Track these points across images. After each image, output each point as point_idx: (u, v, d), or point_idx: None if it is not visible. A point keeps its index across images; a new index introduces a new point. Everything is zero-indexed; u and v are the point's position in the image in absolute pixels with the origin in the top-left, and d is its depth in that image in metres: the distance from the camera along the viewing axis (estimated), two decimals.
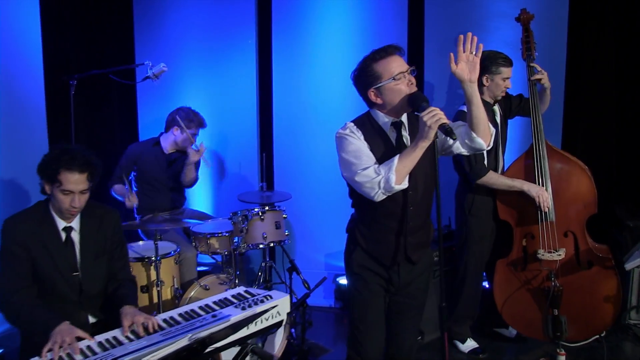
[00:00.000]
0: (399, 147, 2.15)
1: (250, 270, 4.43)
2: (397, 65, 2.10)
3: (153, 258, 3.20)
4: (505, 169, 3.28)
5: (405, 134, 2.20)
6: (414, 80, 2.11)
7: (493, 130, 2.26)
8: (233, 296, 2.53)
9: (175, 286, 3.36)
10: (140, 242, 3.61)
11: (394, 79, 2.08)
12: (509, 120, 3.41)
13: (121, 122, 4.42)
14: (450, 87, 3.90)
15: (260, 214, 3.46)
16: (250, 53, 4.18)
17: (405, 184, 2.08)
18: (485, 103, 3.16)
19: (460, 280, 3.33)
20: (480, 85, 3.16)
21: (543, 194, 3.05)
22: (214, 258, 3.87)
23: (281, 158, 4.30)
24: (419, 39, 3.96)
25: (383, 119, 2.19)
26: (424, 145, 2.02)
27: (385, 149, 2.16)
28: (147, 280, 3.27)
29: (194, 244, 3.62)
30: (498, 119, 3.24)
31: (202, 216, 4.00)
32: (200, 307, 2.41)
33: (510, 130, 3.41)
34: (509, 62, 3.09)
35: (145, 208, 3.79)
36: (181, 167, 3.95)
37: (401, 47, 2.14)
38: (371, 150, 2.14)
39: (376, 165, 2.09)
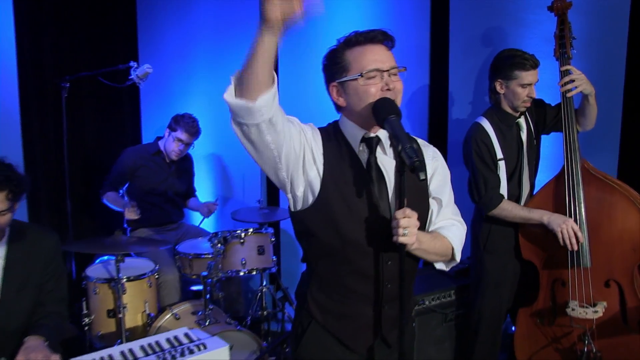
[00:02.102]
0: (369, 175, 1.55)
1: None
2: (374, 58, 1.52)
3: (124, 279, 2.89)
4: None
5: (386, 157, 1.59)
6: (396, 86, 1.52)
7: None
8: (168, 339, 2.14)
9: (147, 311, 3.02)
10: (128, 258, 3.30)
11: (361, 75, 1.51)
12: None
13: (119, 127, 4.19)
14: (476, 94, 3.27)
15: (241, 236, 3.05)
16: None
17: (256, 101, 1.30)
18: (505, 115, 2.57)
19: (474, 332, 2.71)
20: (494, 92, 2.54)
21: (568, 227, 2.38)
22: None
23: None
24: (443, 37, 3.36)
25: (352, 130, 1.59)
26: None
27: (351, 175, 1.55)
28: (113, 303, 2.96)
29: (178, 264, 3.30)
30: (524, 135, 2.60)
31: (198, 233, 3.68)
32: (123, 353, 2.04)
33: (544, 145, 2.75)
34: (529, 64, 2.42)
35: (137, 220, 3.51)
36: (181, 176, 3.67)
37: (391, 37, 1.56)
38: (330, 174, 1.54)
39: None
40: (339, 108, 1.63)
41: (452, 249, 1.65)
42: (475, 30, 3.23)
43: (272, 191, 3.89)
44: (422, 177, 1.31)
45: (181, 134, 3.48)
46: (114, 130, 4.12)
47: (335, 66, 1.57)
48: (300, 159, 1.50)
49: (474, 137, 2.52)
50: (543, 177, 2.69)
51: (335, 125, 1.65)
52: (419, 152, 1.34)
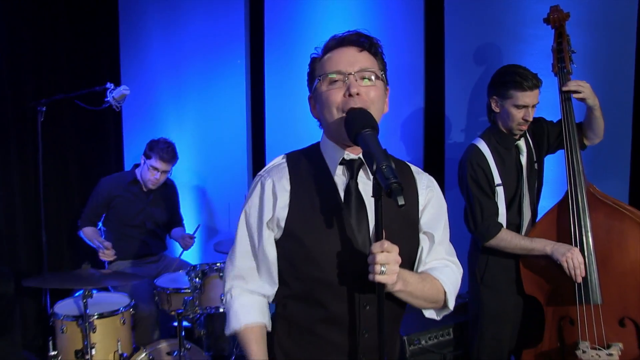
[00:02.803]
0: (346, 203, 1.33)
1: None
2: (339, 60, 1.32)
3: (94, 316, 2.68)
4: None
5: (370, 182, 1.27)
6: (362, 92, 1.28)
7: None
8: None
9: (120, 351, 2.79)
10: (104, 293, 3.09)
11: (319, 78, 1.34)
12: None
13: (102, 152, 4.02)
14: (472, 114, 3.06)
15: (221, 270, 2.82)
16: (239, 75, 3.62)
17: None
18: (503, 137, 2.34)
19: None
20: (491, 110, 2.33)
21: (574, 257, 2.13)
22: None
23: None
24: (438, 54, 3.17)
25: (331, 151, 1.38)
26: None
27: (324, 203, 1.33)
28: (82, 343, 2.73)
29: (156, 299, 3.07)
30: (524, 159, 2.37)
31: (181, 266, 3.46)
32: None
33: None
34: (527, 84, 2.19)
35: (115, 253, 3.29)
36: (161, 205, 3.46)
37: (367, 37, 1.36)
38: (297, 203, 1.34)
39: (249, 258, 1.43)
40: (320, 124, 1.44)
41: (445, 293, 1.41)
42: (471, 47, 3.04)
43: None
44: (400, 202, 1.08)
45: (156, 162, 3.27)
46: (97, 157, 3.96)
47: (309, 75, 1.43)
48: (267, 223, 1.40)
49: (470, 161, 2.29)
50: (546, 203, 2.46)
51: (316, 146, 1.45)
52: (398, 173, 1.11)
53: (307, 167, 1.39)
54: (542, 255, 2.23)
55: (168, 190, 3.56)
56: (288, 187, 1.37)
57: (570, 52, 2.27)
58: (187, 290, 2.94)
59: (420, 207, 1.41)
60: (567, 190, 2.22)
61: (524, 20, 2.87)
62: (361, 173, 1.37)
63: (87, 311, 2.61)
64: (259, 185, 1.42)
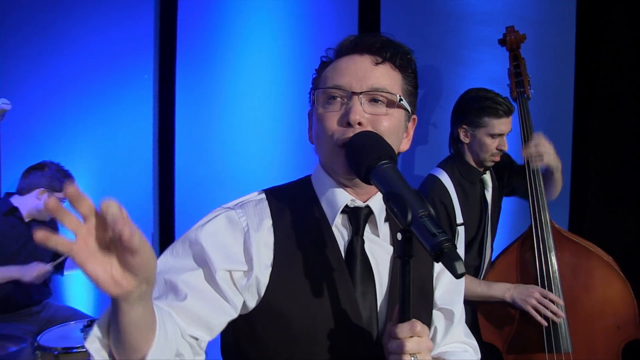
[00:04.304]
0: (349, 269, 0.98)
1: None
2: (343, 72, 0.98)
3: None
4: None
5: (378, 239, 1.02)
6: (368, 119, 0.95)
7: None
8: None
9: None
10: None
11: (312, 92, 1.02)
12: None
13: None
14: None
15: None
16: (146, 91, 3.14)
17: None
18: (469, 169, 2.06)
19: None
20: (457, 140, 2.10)
21: (539, 299, 1.94)
22: None
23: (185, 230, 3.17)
24: None
25: (328, 191, 1.02)
26: None
27: (319, 266, 0.98)
28: None
29: None
30: (489, 195, 2.16)
31: (71, 316, 2.87)
32: None
33: None
34: (502, 109, 1.99)
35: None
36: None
37: (396, 47, 1.02)
38: (281, 265, 0.97)
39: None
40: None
41: None
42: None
43: None
44: (459, 270, 0.74)
45: (60, 194, 2.75)
46: None
47: (312, 84, 1.07)
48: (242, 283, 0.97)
49: (431, 196, 2.02)
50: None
51: (306, 183, 1.06)
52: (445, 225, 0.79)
53: (296, 211, 1.01)
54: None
55: (54, 219, 2.96)
56: (271, 240, 0.98)
57: (527, 76, 2.11)
58: (81, 350, 2.40)
59: (435, 273, 1.09)
60: (531, 227, 2.03)
61: (465, 43, 2.73)
62: (367, 227, 1.02)
63: None
64: (223, 218, 1.00)
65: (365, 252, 0.99)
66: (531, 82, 2.13)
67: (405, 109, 1.01)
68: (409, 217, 0.78)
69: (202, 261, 0.95)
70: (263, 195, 1.04)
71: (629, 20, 2.65)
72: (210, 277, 0.93)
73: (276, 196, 1.04)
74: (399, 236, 0.81)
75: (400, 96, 0.98)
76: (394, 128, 0.98)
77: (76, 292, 3.31)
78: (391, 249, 1.02)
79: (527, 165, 2.07)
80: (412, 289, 0.88)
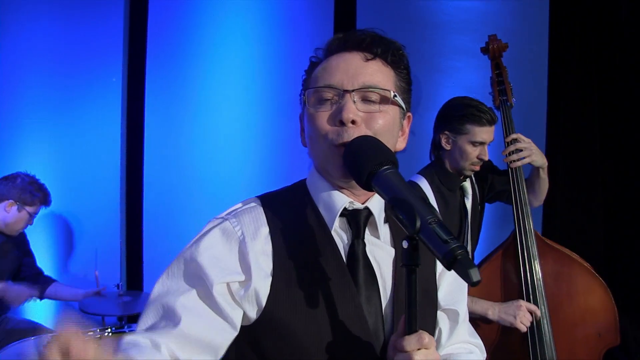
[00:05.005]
0: (351, 274, 0.95)
1: None
2: (334, 71, 0.96)
3: None
4: None
5: (379, 241, 0.99)
6: (362, 117, 0.93)
7: None
8: None
9: None
10: None
11: (307, 92, 0.97)
12: None
13: None
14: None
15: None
16: (115, 94, 3.01)
17: None
18: (449, 177, 2.03)
19: None
20: (438, 147, 2.08)
21: (526, 314, 1.93)
22: None
23: (154, 243, 3.03)
24: None
25: (325, 194, 0.98)
26: None
27: (318, 272, 0.94)
28: None
29: None
30: (469, 203, 2.14)
31: (30, 330, 2.68)
32: None
33: None
34: (486, 117, 1.97)
35: None
36: (7, 253, 2.68)
37: (387, 43, 1.00)
38: (281, 272, 0.93)
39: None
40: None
41: None
42: None
43: (134, 271, 3.04)
44: (474, 277, 0.71)
45: (36, 207, 2.66)
46: None
47: (302, 85, 1.04)
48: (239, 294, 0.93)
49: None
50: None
51: (301, 186, 1.03)
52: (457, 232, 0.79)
53: (293, 217, 0.98)
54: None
55: (22, 234, 2.80)
56: (269, 248, 0.94)
57: (510, 84, 2.12)
58: None
59: (437, 273, 1.06)
60: (514, 235, 2.03)
61: (442, 51, 2.75)
62: (367, 230, 0.99)
63: None
64: (217, 231, 0.96)
65: (367, 256, 0.97)
66: (513, 90, 2.14)
67: (400, 106, 0.99)
68: (418, 224, 0.75)
69: (198, 279, 0.92)
70: (257, 202, 1.01)
71: (598, 29, 2.74)
72: (207, 295, 0.91)
73: (271, 202, 1.01)
74: (405, 244, 0.79)
75: (394, 92, 0.96)
76: (389, 126, 0.96)
77: (36, 304, 3.13)
78: (392, 250, 1.00)
79: (510, 170, 2.08)
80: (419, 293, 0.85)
